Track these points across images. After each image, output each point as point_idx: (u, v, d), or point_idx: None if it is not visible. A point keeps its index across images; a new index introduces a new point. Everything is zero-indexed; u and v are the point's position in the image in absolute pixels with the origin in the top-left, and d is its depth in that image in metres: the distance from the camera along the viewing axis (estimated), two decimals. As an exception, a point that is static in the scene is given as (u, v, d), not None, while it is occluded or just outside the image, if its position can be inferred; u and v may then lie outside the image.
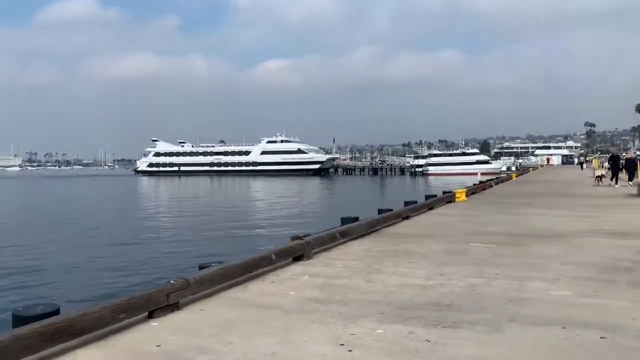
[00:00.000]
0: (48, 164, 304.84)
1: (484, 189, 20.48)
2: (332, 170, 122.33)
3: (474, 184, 22.09)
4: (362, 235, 7.88)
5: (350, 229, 7.73)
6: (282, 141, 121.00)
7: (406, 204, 13.02)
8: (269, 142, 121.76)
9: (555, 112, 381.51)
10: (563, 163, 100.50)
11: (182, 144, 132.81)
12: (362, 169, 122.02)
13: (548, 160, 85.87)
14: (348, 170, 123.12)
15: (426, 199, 14.77)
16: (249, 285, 5.06)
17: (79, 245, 18.37)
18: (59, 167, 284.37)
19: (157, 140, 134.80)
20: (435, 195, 15.16)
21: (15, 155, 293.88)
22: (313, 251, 6.83)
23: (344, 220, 8.80)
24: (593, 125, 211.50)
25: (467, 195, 16.41)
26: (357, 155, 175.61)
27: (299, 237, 7.03)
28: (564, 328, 3.51)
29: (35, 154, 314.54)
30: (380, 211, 10.89)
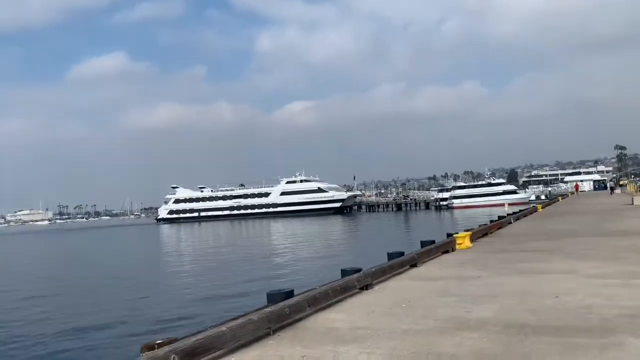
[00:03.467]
0: (78, 216, 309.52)
1: (500, 228, 17.13)
2: (355, 207, 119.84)
3: (490, 221, 18.79)
4: (259, 339, 4.80)
5: (229, 332, 4.46)
6: (301, 181, 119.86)
7: (389, 257, 10.02)
8: (288, 182, 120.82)
9: (584, 138, 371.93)
10: (595, 189, 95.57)
11: (202, 189, 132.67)
12: (386, 205, 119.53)
13: (577, 187, 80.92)
14: (372, 207, 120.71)
15: (422, 247, 11.70)
16: None
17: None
18: (86, 218, 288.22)
19: (176, 187, 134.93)
20: (434, 241, 12.05)
21: (47, 209, 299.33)
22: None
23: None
24: (624, 148, 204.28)
25: (472, 240, 13.17)
26: (382, 191, 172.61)
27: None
28: None
29: (66, 206, 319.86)
30: (343, 273, 7.99)
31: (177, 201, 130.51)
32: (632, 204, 27.30)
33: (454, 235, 12.28)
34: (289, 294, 6.03)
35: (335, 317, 5.67)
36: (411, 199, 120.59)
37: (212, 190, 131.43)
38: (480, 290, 6.71)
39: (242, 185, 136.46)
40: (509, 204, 72.55)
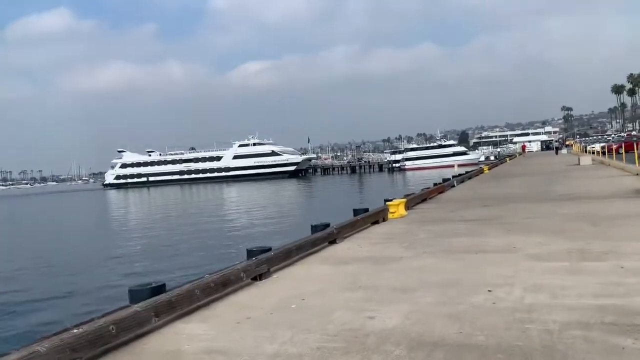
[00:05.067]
0: (23, 181, 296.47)
1: (441, 192, 15.97)
2: (310, 171, 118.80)
3: (434, 184, 17.62)
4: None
5: None
6: (254, 144, 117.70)
7: (312, 230, 8.57)
8: (240, 145, 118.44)
9: (533, 99, 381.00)
10: (542, 149, 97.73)
11: (150, 153, 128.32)
12: (341, 168, 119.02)
13: (524, 147, 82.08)
14: (326, 170, 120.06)
15: (355, 214, 10.31)
16: None
17: None
18: (31, 184, 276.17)
19: (123, 151, 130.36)
20: (367, 210, 10.69)
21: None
22: None
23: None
24: (570, 109, 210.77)
25: (408, 207, 11.88)
26: (338, 154, 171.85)
27: None
28: None
29: (10, 172, 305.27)
30: (250, 253, 6.49)
31: (124, 166, 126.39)
32: (579, 164, 26.94)
33: (387, 203, 10.91)
34: (137, 295, 4.44)
35: (192, 330, 4.13)
36: (365, 162, 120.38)
37: (160, 154, 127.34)
38: (397, 280, 5.30)
39: (192, 148, 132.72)
40: (459, 165, 73.06)
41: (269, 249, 6.84)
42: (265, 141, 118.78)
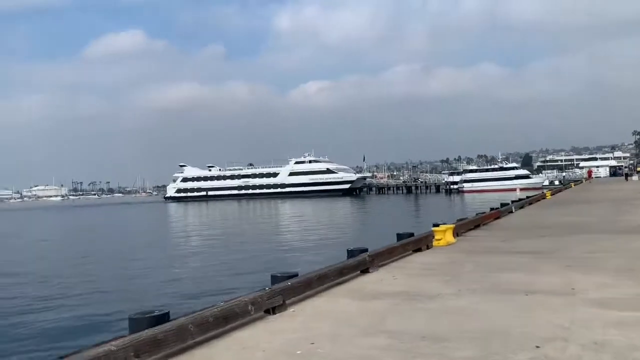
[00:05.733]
0: (91, 192, 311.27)
1: (497, 218, 14.83)
2: (365, 189, 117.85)
3: (491, 209, 16.45)
4: None
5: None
6: (310, 161, 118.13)
7: (349, 254, 7.90)
8: (296, 162, 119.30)
9: (601, 123, 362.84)
10: (611, 175, 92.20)
11: (210, 168, 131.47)
12: (397, 188, 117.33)
13: (590, 173, 76.50)
14: (381, 189, 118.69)
15: (398, 239, 9.56)
16: None
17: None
18: (98, 195, 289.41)
19: (184, 166, 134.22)
20: (412, 234, 9.90)
21: (62, 185, 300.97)
22: None
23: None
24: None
25: (458, 234, 10.95)
26: (394, 174, 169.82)
27: None
28: None
29: (80, 183, 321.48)
30: (274, 280, 5.93)
31: (185, 180, 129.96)
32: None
33: (433, 229, 10.05)
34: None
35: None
36: (421, 182, 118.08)
37: (220, 170, 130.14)
38: (429, 324, 4.53)
39: (251, 165, 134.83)
40: (521, 189, 69.78)
41: (295, 275, 6.24)
42: (321, 159, 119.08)
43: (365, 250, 8.31)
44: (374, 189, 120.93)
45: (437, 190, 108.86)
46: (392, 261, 8.05)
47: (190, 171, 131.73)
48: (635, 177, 59.13)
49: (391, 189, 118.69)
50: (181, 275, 17.44)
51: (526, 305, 5.05)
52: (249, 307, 4.77)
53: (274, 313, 5.10)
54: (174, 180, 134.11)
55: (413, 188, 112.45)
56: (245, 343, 4.23)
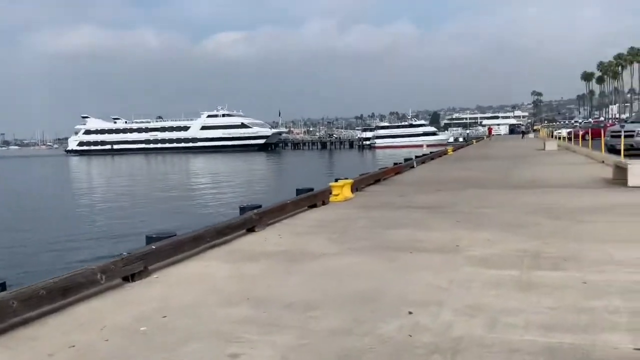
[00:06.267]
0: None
1: (398, 173, 14.89)
2: (280, 145, 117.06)
3: (395, 164, 16.50)
4: None
5: None
6: (223, 115, 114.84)
7: (242, 211, 7.33)
8: (209, 116, 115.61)
9: (505, 83, 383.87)
10: (510, 133, 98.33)
11: (116, 120, 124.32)
12: (312, 143, 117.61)
13: (490, 130, 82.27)
14: (297, 145, 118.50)
15: (297, 195, 9.13)
16: None
17: None
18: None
19: (87, 117, 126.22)
20: (311, 189, 9.52)
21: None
22: None
23: None
24: (540, 94, 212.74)
25: (357, 189, 10.74)
26: (311, 129, 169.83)
27: None
28: None
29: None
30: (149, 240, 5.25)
31: (87, 132, 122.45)
32: (544, 149, 26.31)
33: (330, 184, 9.72)
34: None
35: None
36: (336, 138, 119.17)
37: (126, 122, 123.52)
38: (302, 289, 4.12)
39: (159, 117, 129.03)
40: (428, 145, 72.40)
41: (173, 235, 5.61)
42: (235, 113, 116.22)
43: (259, 206, 7.83)
44: (289, 144, 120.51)
45: (351, 146, 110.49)
46: (285, 218, 7.62)
47: (93, 123, 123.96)
48: (531, 135, 63.09)
49: (306, 144, 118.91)
50: (37, 242, 15.50)
51: (409, 264, 4.79)
52: (99, 276, 4.10)
53: (133, 280, 4.47)
54: (76, 133, 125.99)
55: (328, 144, 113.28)
56: (84, 319, 3.59)
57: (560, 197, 8.94)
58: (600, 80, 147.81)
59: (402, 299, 3.75)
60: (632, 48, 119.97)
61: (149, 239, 5.70)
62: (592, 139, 25.94)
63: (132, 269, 4.46)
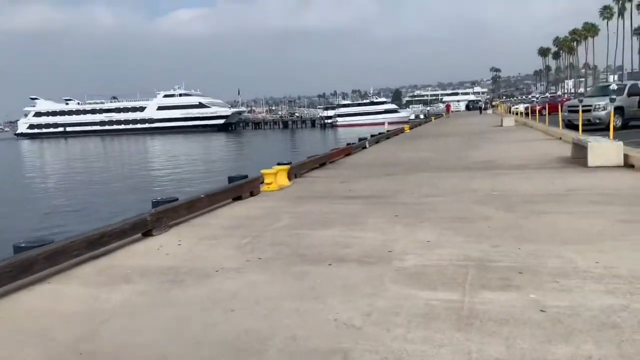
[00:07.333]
0: None
1: (348, 154, 13.82)
2: (241, 124, 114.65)
3: (348, 144, 15.44)
4: None
5: None
6: (180, 95, 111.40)
7: (154, 205, 6.09)
8: (165, 96, 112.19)
9: (466, 60, 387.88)
10: (468, 109, 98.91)
11: (68, 102, 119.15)
12: (273, 123, 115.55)
13: (448, 107, 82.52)
14: (258, 125, 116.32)
15: (229, 182, 7.94)
16: None
17: None
18: None
19: (36, 99, 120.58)
20: (245, 176, 8.34)
21: None
22: None
23: None
24: (499, 70, 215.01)
25: (295, 175, 9.60)
26: (273, 108, 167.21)
27: None
28: None
29: None
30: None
31: (38, 114, 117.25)
32: (501, 125, 25.78)
33: (262, 171, 8.55)
34: None
35: None
36: (298, 117, 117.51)
37: (79, 103, 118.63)
38: (163, 337, 2.97)
39: (114, 98, 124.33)
40: (389, 123, 71.68)
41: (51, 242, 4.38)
42: (192, 92, 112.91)
43: (175, 199, 6.64)
44: (250, 124, 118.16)
45: (313, 125, 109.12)
46: (197, 217, 6.43)
47: (43, 105, 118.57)
48: (489, 111, 63.07)
49: (268, 124, 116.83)
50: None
51: (321, 284, 3.70)
52: None
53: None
54: (25, 115, 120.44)
55: (290, 123, 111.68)
56: None
57: (515, 181, 8.04)
58: (556, 56, 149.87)
59: (294, 349, 2.66)
60: (586, 23, 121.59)
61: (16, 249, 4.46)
62: (548, 114, 25.51)
63: None
